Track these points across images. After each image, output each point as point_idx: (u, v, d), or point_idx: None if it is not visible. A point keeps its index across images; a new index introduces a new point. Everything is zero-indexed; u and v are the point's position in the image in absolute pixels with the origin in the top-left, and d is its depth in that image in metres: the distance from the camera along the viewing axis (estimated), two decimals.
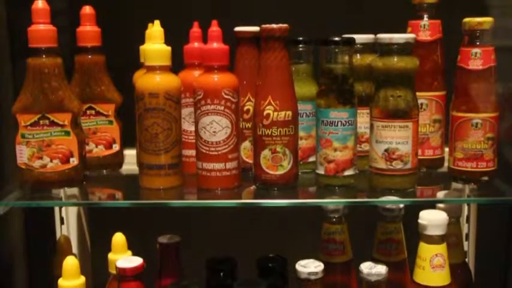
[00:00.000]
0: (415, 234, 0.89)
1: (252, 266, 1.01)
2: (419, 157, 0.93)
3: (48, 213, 1.14)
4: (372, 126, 0.88)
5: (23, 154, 0.89)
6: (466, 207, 1.12)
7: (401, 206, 1.00)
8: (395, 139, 0.86)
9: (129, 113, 0.93)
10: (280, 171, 0.88)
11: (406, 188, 0.88)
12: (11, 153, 0.90)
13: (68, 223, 1.14)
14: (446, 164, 0.97)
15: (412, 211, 0.90)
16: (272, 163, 0.88)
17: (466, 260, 1.06)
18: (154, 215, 1.19)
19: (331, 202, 0.87)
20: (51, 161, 0.89)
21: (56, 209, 1.14)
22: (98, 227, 1.18)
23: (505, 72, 0.91)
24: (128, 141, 1.03)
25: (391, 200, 0.86)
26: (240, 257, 1.01)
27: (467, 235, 1.12)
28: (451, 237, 0.96)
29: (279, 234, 1.21)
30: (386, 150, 0.87)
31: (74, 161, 0.90)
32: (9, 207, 0.86)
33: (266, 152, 0.88)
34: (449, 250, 0.89)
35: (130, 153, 1.03)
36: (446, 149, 0.97)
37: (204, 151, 0.89)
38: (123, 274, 0.90)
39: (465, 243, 1.10)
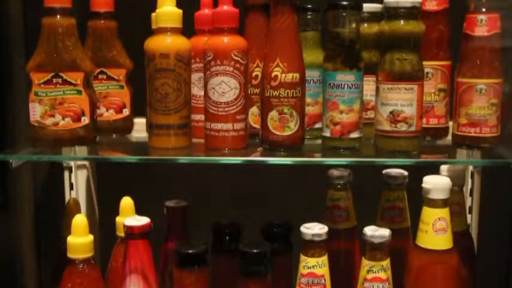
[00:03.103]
0: (419, 205, 0.90)
1: (257, 232, 1.03)
2: (424, 126, 0.94)
3: (57, 179, 1.16)
4: (377, 90, 0.90)
5: (36, 112, 0.91)
6: (469, 180, 1.13)
7: (406, 173, 1.01)
8: (400, 101, 0.88)
9: (140, 81, 0.96)
10: (287, 132, 0.90)
11: (410, 151, 0.89)
12: (24, 112, 0.92)
13: (77, 189, 1.16)
14: (450, 137, 0.98)
15: (416, 179, 0.92)
16: (279, 124, 0.90)
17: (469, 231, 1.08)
18: (162, 181, 1.22)
19: (335, 161, 0.88)
20: (63, 119, 0.91)
21: (66, 174, 1.16)
22: (107, 194, 1.20)
23: None
24: (137, 110, 1.05)
25: (394, 160, 0.88)
26: (245, 224, 1.03)
27: (470, 208, 1.13)
28: (454, 206, 0.97)
29: (285, 202, 1.23)
30: (391, 113, 0.88)
31: (85, 119, 0.92)
32: (22, 161, 0.88)
33: (273, 113, 0.90)
34: (452, 218, 0.90)
35: (139, 121, 1.06)
36: (451, 123, 0.98)
37: (213, 111, 0.91)
38: (131, 232, 0.91)
39: (468, 216, 1.11)
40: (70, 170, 1.16)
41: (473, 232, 1.13)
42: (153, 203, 1.00)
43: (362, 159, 0.89)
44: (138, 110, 1.05)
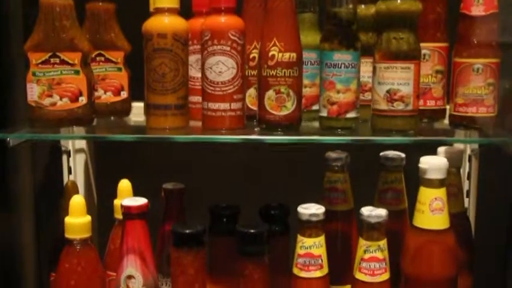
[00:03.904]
0: (416, 188, 0.90)
1: (254, 214, 1.03)
2: (421, 107, 0.95)
3: (56, 163, 1.16)
4: (374, 69, 0.90)
5: (34, 92, 0.91)
6: (467, 164, 1.14)
7: (403, 155, 1.01)
8: (397, 80, 0.88)
9: (138, 66, 0.96)
10: (284, 112, 0.90)
11: (406, 130, 0.90)
12: (22, 92, 0.92)
13: (76, 172, 1.16)
14: (447, 120, 0.98)
15: (413, 161, 0.92)
16: (276, 103, 0.90)
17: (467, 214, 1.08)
18: (159, 164, 1.22)
19: (332, 139, 0.89)
20: (60, 99, 0.92)
21: (64, 158, 1.16)
22: (105, 178, 1.20)
23: None
24: (135, 95, 1.05)
25: (391, 139, 0.88)
26: (243, 206, 1.03)
27: (468, 192, 1.14)
28: (451, 187, 0.97)
29: (282, 184, 1.23)
30: (388, 92, 0.89)
31: (83, 100, 0.92)
32: (20, 141, 0.88)
33: (270, 93, 0.90)
34: (449, 200, 0.90)
35: (137, 105, 1.06)
36: (448, 107, 0.99)
37: (210, 91, 0.91)
38: (128, 212, 0.92)
39: (466, 200, 1.11)
40: (68, 154, 1.17)
41: (471, 215, 1.14)
42: (151, 186, 1.00)
43: (359, 137, 0.89)
44: (136, 94, 1.05)
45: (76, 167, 1.17)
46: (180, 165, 1.16)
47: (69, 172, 1.16)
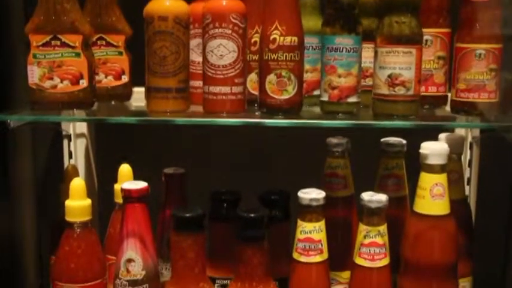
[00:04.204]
0: (417, 176, 0.90)
1: (255, 200, 1.03)
2: (422, 93, 0.94)
3: (56, 147, 1.16)
4: (376, 54, 0.90)
5: (34, 74, 0.91)
6: (468, 152, 1.13)
7: (404, 141, 1.01)
8: (399, 65, 0.88)
9: (139, 51, 0.96)
10: (285, 96, 0.90)
11: (408, 115, 0.89)
12: (23, 74, 0.92)
13: (76, 157, 1.16)
14: (449, 106, 0.98)
15: (414, 149, 0.91)
16: (277, 87, 0.90)
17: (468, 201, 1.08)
18: (160, 149, 1.22)
19: (332, 123, 0.88)
20: (61, 81, 0.92)
21: (65, 142, 1.16)
22: (105, 163, 1.20)
23: None
24: (136, 80, 1.05)
25: (392, 123, 0.87)
26: (243, 192, 1.03)
27: (468, 179, 1.13)
28: (452, 174, 0.97)
29: (283, 170, 1.23)
30: (389, 76, 0.88)
31: (84, 82, 0.92)
32: (21, 123, 0.88)
33: (271, 77, 0.90)
34: (450, 186, 0.90)
35: (138, 90, 1.05)
36: (449, 94, 0.98)
37: (211, 74, 0.91)
38: (128, 195, 0.91)
39: (466, 188, 1.11)
40: (69, 138, 1.16)
41: (472, 203, 1.13)
42: (152, 171, 1.00)
43: (359, 121, 0.89)
44: (136, 79, 1.05)
45: (77, 152, 1.16)
46: (181, 150, 1.16)
47: (70, 157, 1.16)
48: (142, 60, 0.95)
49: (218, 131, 1.14)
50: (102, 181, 1.23)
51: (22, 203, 1.02)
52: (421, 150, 0.89)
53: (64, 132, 1.16)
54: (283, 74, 0.89)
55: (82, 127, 1.18)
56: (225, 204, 1.02)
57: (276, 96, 0.90)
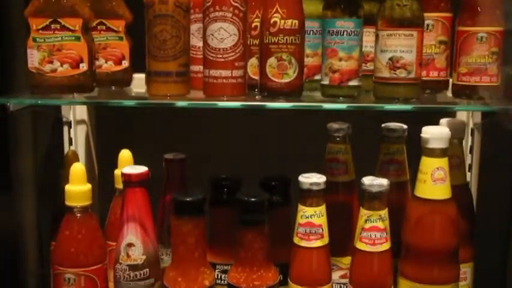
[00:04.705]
0: (418, 161, 0.90)
1: (255, 186, 1.02)
2: (424, 78, 0.94)
3: (56, 134, 1.16)
4: (377, 37, 0.90)
5: (34, 58, 0.91)
6: (469, 138, 1.13)
7: (405, 127, 1.01)
8: (400, 47, 0.88)
9: (139, 37, 0.95)
10: (286, 79, 0.90)
11: (409, 98, 0.89)
12: (23, 58, 0.92)
13: (76, 144, 1.16)
14: (450, 91, 0.98)
15: (415, 132, 0.91)
16: (278, 71, 0.89)
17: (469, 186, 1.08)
18: (160, 135, 1.21)
19: (333, 106, 0.88)
20: (61, 65, 0.91)
21: (65, 129, 1.16)
22: (106, 150, 1.20)
23: None
24: (136, 66, 1.05)
25: (393, 106, 0.87)
26: (244, 177, 1.03)
27: (470, 166, 1.13)
28: (453, 159, 0.96)
29: (284, 156, 1.22)
30: (390, 59, 0.88)
31: (84, 66, 0.92)
32: (21, 106, 0.88)
33: (272, 60, 0.89)
34: (451, 172, 0.90)
35: (138, 77, 1.05)
36: (451, 80, 0.98)
37: (211, 58, 0.90)
38: (129, 180, 0.91)
39: (468, 174, 1.11)
40: (69, 125, 1.16)
41: (473, 189, 1.13)
42: (152, 158, 1.00)
43: (360, 104, 0.89)
44: (137, 66, 1.04)
45: (77, 138, 1.16)
46: (181, 136, 1.15)
47: (70, 143, 1.16)
48: (143, 47, 0.94)
49: (219, 116, 1.14)
50: (102, 168, 1.23)
51: (22, 188, 1.01)
52: (422, 134, 0.88)
53: (64, 119, 1.16)
54: (284, 57, 0.89)
55: (82, 113, 1.18)
56: (225, 190, 1.02)
57: (276, 80, 0.90)
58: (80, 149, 1.17)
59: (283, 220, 1.00)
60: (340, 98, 0.91)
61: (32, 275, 1.10)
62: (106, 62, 1.02)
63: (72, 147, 1.16)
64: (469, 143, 1.14)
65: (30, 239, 1.06)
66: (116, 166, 1.03)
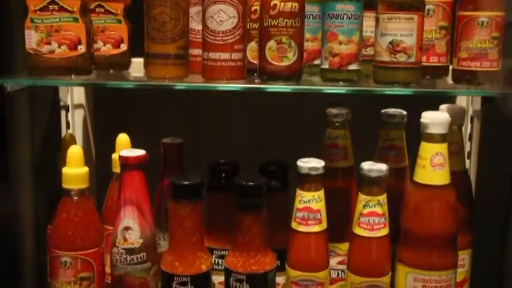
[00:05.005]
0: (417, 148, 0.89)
1: (254, 171, 1.02)
2: (423, 64, 0.93)
3: (54, 118, 1.15)
4: (377, 21, 0.89)
5: (32, 39, 0.90)
6: (469, 125, 1.13)
7: (404, 113, 1.00)
8: (400, 31, 0.87)
9: (138, 22, 0.95)
10: (285, 63, 0.89)
11: (409, 82, 0.89)
12: (20, 39, 0.91)
13: (74, 128, 1.15)
14: (450, 77, 0.97)
15: (415, 119, 0.91)
16: (277, 54, 0.89)
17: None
18: (158, 120, 1.20)
19: (332, 89, 0.88)
20: (59, 46, 0.91)
21: (63, 113, 1.15)
22: (103, 135, 1.20)
23: None
24: (134, 51, 1.04)
25: (392, 89, 0.87)
26: (242, 163, 1.02)
27: (469, 153, 1.13)
28: (452, 145, 0.96)
29: (283, 142, 1.22)
30: (390, 43, 0.87)
31: (82, 48, 0.91)
32: (18, 87, 0.87)
33: (271, 43, 0.89)
34: (451, 158, 0.89)
35: (136, 61, 1.05)
36: (451, 67, 0.97)
37: (211, 40, 0.90)
38: (126, 163, 0.91)
39: (467, 162, 1.11)
40: (67, 109, 1.16)
41: (472, 176, 1.13)
42: (150, 142, 0.99)
43: (360, 88, 0.88)
44: (135, 50, 1.04)
45: (74, 123, 1.16)
46: (179, 121, 1.14)
47: (68, 127, 1.15)
48: (141, 31, 0.94)
49: (217, 101, 1.14)
50: (99, 152, 1.22)
51: (20, 171, 1.00)
52: (422, 119, 0.88)
53: (62, 103, 1.16)
54: (284, 40, 0.88)
55: (80, 98, 1.17)
56: (223, 175, 1.01)
57: (276, 63, 0.89)
58: (78, 133, 1.16)
59: (281, 206, 1.00)
60: (340, 82, 0.90)
61: (29, 260, 1.09)
62: (104, 45, 1.01)
63: (70, 131, 1.15)
64: (469, 131, 1.13)
65: (27, 223, 1.06)
66: (113, 151, 1.02)
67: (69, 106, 1.16)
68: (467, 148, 1.13)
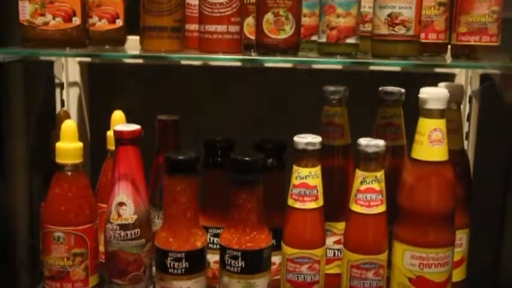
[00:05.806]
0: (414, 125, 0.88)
1: (250, 149, 1.01)
2: (422, 41, 0.92)
3: (49, 95, 1.14)
4: None
5: (26, 10, 0.89)
6: (467, 105, 1.12)
7: (402, 90, 0.99)
8: (399, 3, 0.86)
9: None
10: (282, 36, 0.88)
11: (407, 55, 0.88)
12: (14, 11, 0.90)
13: (69, 106, 1.14)
14: (449, 55, 0.97)
15: (413, 96, 0.90)
16: (274, 27, 0.88)
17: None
18: (154, 96, 1.19)
19: (329, 61, 0.87)
20: (53, 18, 0.90)
21: (57, 90, 1.14)
22: (98, 114, 1.18)
23: None
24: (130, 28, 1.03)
25: (390, 62, 0.86)
26: (239, 141, 1.01)
27: (467, 133, 1.12)
28: (451, 123, 0.95)
29: (279, 121, 1.21)
30: (389, 15, 0.87)
31: (77, 20, 0.90)
32: (11, 58, 0.86)
33: (269, 16, 0.88)
34: (449, 136, 0.88)
35: (132, 38, 1.03)
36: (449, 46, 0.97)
37: (207, 13, 0.89)
38: (121, 137, 0.90)
39: (465, 142, 1.10)
40: (61, 86, 1.14)
41: (470, 156, 1.12)
42: (145, 119, 0.98)
43: (357, 60, 0.87)
44: (131, 27, 1.03)
45: (69, 100, 1.14)
46: (175, 98, 1.13)
47: (62, 105, 1.14)
48: (138, 7, 0.92)
49: (214, 78, 1.13)
50: (94, 130, 1.21)
51: (13, 147, 0.99)
52: (420, 95, 0.87)
53: (57, 81, 1.14)
54: (281, 12, 0.87)
55: (75, 75, 1.16)
56: (219, 152, 1.00)
57: (273, 36, 0.88)
58: (73, 111, 1.15)
59: (277, 185, 0.98)
60: (337, 56, 0.89)
61: (23, 242, 1.08)
62: (100, 20, 1.00)
63: (65, 109, 1.14)
64: (467, 111, 1.12)
65: (20, 203, 1.05)
66: (108, 129, 1.01)
67: (64, 84, 1.15)
68: (465, 128, 1.11)
